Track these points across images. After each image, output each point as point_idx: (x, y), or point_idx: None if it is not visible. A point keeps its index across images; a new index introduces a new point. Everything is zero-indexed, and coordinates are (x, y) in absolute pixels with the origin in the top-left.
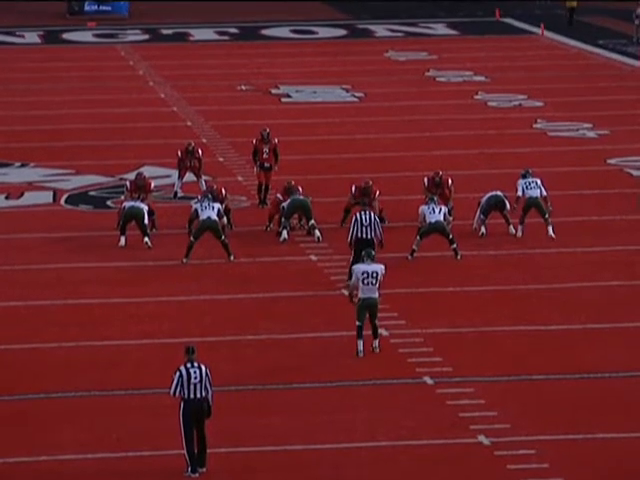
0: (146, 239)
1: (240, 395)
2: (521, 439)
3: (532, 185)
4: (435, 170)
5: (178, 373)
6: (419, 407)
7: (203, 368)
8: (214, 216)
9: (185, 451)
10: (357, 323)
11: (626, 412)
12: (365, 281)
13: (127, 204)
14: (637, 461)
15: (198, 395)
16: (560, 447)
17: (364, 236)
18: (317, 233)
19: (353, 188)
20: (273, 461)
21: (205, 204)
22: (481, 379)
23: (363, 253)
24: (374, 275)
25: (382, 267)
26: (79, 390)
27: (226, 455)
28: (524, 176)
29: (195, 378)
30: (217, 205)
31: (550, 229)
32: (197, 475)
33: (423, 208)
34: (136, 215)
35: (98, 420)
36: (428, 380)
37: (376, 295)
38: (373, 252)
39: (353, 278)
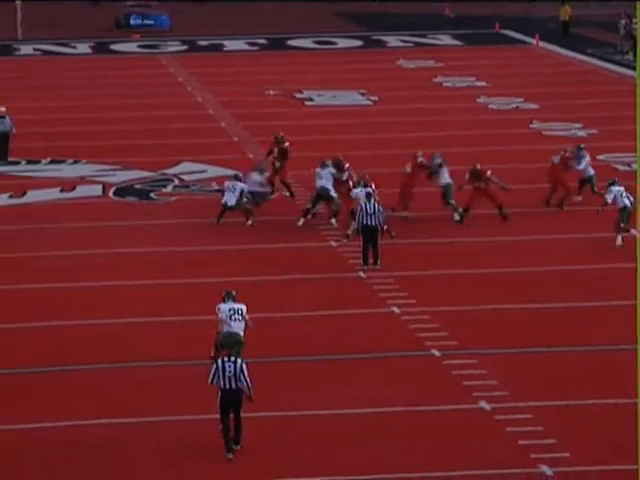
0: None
1: (268, 367)
2: (519, 405)
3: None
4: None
5: (215, 366)
6: (428, 377)
7: (239, 362)
8: (231, 201)
9: (222, 435)
10: None
11: (615, 380)
12: None
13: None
14: (623, 424)
15: (233, 386)
16: (554, 412)
17: (369, 223)
18: (332, 221)
19: (467, 174)
20: (292, 426)
21: (230, 185)
22: (483, 351)
23: None
24: None
25: None
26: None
27: (259, 420)
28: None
29: (229, 372)
30: (241, 186)
31: (456, 215)
32: (230, 456)
33: (357, 192)
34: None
35: (118, 390)
36: (436, 353)
37: None
38: None
39: None
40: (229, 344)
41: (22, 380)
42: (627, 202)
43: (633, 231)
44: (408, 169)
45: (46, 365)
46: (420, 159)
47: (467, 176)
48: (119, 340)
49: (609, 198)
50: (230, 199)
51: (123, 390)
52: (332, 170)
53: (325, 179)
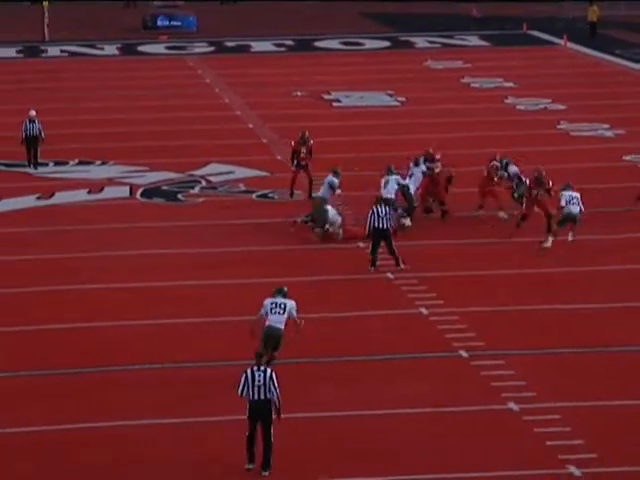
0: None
1: (295, 367)
2: (547, 406)
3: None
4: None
5: (244, 375)
6: (456, 377)
7: (268, 372)
8: (320, 193)
9: (246, 445)
10: None
11: None
12: None
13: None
14: None
15: (262, 397)
16: (582, 413)
17: (380, 226)
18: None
19: (528, 180)
20: (322, 427)
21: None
22: (511, 352)
23: None
24: None
25: None
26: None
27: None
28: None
29: (259, 381)
30: (329, 179)
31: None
32: (251, 467)
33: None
34: None
35: (150, 391)
36: (463, 353)
37: None
38: None
39: None
40: (268, 336)
41: (55, 381)
42: (575, 209)
43: (570, 237)
44: (485, 172)
45: (78, 366)
46: (494, 162)
47: (528, 182)
48: (148, 341)
49: (563, 202)
50: (320, 191)
51: (154, 391)
52: (423, 167)
53: (414, 180)
